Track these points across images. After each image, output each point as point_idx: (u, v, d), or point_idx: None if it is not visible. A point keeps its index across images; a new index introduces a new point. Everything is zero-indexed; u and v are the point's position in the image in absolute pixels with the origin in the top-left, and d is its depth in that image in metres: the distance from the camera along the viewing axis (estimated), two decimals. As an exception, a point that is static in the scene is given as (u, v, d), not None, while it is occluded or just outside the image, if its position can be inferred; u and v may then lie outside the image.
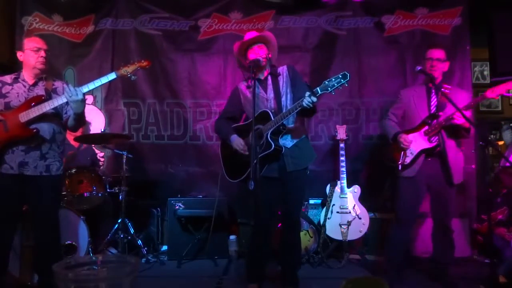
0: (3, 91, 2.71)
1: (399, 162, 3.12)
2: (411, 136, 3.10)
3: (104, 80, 2.65)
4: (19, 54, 2.76)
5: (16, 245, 2.94)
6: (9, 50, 4.53)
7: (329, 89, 2.53)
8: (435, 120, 3.08)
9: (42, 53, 2.73)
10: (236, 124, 3.08)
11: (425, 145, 3.08)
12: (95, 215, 3.82)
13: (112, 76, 2.66)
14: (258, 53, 2.86)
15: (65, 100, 2.63)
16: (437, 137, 3.08)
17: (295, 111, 2.66)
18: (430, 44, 3.45)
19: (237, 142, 2.92)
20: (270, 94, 2.91)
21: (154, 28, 4.55)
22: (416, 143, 3.09)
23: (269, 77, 2.94)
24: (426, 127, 3.10)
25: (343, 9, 4.49)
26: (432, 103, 3.15)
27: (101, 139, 3.91)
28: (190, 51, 4.55)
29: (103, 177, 3.83)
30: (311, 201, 4.23)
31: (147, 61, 2.71)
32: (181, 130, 4.55)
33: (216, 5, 4.54)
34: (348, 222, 3.87)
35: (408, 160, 3.10)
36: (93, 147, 4.24)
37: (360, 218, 3.90)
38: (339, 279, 1.87)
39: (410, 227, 3.28)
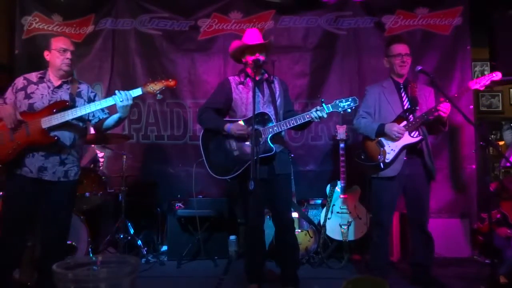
0: (28, 90, 2.68)
1: (381, 160, 2.98)
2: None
3: (131, 94, 2.63)
4: (45, 54, 2.73)
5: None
6: (8, 50, 4.53)
7: (340, 109, 2.73)
8: (411, 115, 3.03)
9: (68, 55, 2.70)
10: (229, 119, 2.98)
11: (408, 140, 2.98)
12: (95, 215, 3.82)
13: (137, 92, 2.65)
14: (257, 56, 2.85)
15: (88, 111, 2.63)
16: (417, 132, 3.01)
17: (303, 122, 2.73)
18: (390, 40, 3.29)
19: (235, 126, 2.79)
20: (267, 97, 2.92)
21: (154, 28, 4.54)
22: (400, 138, 2.98)
23: (264, 81, 2.96)
24: (405, 122, 3.02)
25: (343, 9, 4.49)
26: (403, 98, 3.10)
27: (101, 139, 3.91)
28: (190, 51, 4.55)
29: (103, 177, 3.82)
30: (311, 201, 4.22)
31: (175, 80, 2.70)
32: (181, 130, 4.54)
33: (216, 5, 4.53)
34: (348, 222, 3.87)
35: (390, 157, 2.99)
36: (93, 147, 4.24)
37: (360, 218, 3.89)
38: (340, 279, 1.86)
39: (389, 231, 3.21)
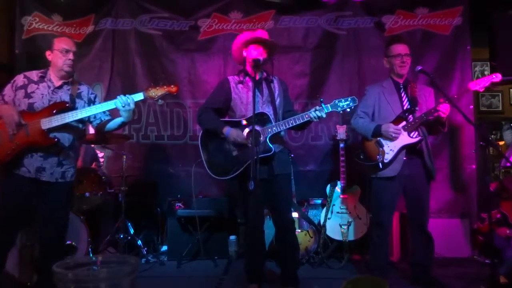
0: (29, 90, 2.67)
1: (379, 160, 2.97)
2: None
3: (132, 98, 2.62)
4: (47, 53, 2.72)
5: (15, 245, 2.93)
6: (8, 50, 4.53)
7: (339, 109, 2.71)
8: (411, 115, 3.03)
9: (71, 56, 2.70)
10: (226, 119, 2.97)
11: (407, 140, 2.98)
12: (95, 215, 3.81)
13: (139, 96, 2.64)
14: (261, 53, 2.85)
15: (89, 114, 2.64)
16: (417, 132, 3.02)
17: (302, 122, 2.72)
18: (390, 40, 3.28)
19: (235, 133, 2.77)
20: (266, 97, 2.91)
21: (154, 28, 4.54)
22: (396, 138, 2.99)
23: (263, 81, 2.95)
24: (404, 123, 3.02)
25: (343, 9, 4.49)
26: (403, 98, 3.10)
27: (101, 139, 3.91)
28: (190, 51, 4.55)
29: (103, 177, 3.82)
30: (311, 201, 4.21)
31: (177, 86, 2.69)
32: (181, 130, 4.54)
33: (216, 5, 4.53)
34: (348, 222, 3.87)
35: (388, 157, 2.99)
36: (93, 147, 4.24)
37: (360, 219, 3.89)
38: (340, 280, 1.87)
39: (389, 231, 3.21)
